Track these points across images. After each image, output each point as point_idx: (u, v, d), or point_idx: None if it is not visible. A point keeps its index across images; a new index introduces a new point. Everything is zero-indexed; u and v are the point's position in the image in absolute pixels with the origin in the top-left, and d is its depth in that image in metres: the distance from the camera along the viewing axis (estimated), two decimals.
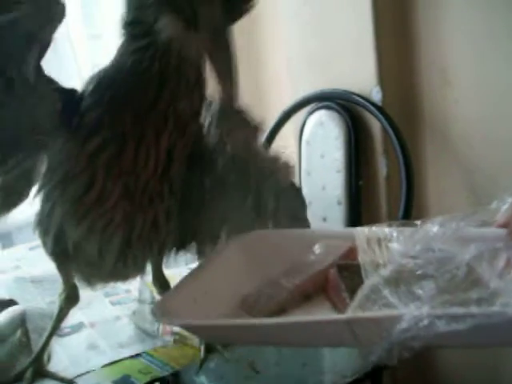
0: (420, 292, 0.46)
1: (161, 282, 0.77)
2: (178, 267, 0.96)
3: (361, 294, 0.47)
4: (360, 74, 1.23)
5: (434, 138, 1.21)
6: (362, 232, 0.58)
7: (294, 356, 0.75)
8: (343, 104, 1.27)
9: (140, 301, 0.87)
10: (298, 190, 0.78)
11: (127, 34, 0.59)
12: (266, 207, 0.73)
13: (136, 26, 0.58)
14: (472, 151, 1.14)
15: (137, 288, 0.91)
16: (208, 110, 0.67)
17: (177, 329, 0.79)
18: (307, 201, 1.30)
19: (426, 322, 0.41)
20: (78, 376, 0.70)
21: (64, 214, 0.63)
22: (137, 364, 0.71)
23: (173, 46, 0.57)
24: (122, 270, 0.68)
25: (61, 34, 1.44)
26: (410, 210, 1.13)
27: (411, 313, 0.42)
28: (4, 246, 1.32)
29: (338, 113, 1.27)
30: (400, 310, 0.44)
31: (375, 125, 1.23)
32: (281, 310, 0.56)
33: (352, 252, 0.58)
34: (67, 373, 0.71)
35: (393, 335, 0.41)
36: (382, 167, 1.25)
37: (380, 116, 1.17)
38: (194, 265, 1.07)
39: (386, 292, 0.47)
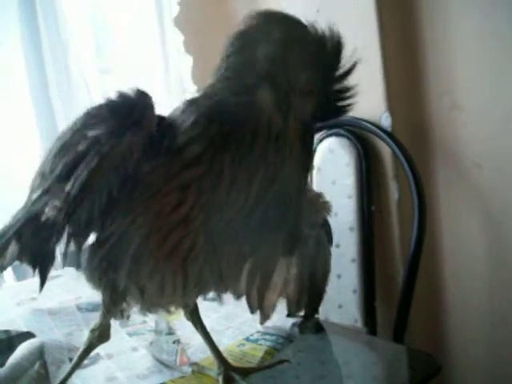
0: None
1: (191, 310, 0.77)
2: None
3: None
4: (369, 101, 1.24)
5: (444, 161, 1.22)
6: None
7: None
8: (353, 130, 1.28)
9: (157, 332, 0.87)
10: (329, 226, 0.80)
11: (226, 79, 0.61)
12: (297, 244, 0.73)
13: (237, 81, 0.61)
14: (483, 173, 1.14)
15: (152, 319, 0.91)
16: None
17: (194, 359, 0.79)
18: None
19: None
20: None
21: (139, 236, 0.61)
22: None
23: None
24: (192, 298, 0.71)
25: (74, 69, 1.47)
26: (423, 234, 1.13)
27: None
28: (18, 278, 1.33)
29: (347, 139, 1.28)
30: None
31: (385, 150, 1.24)
32: None
33: None
34: None
35: None
36: (393, 192, 1.25)
37: (390, 142, 1.18)
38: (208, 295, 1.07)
39: None
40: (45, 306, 0.97)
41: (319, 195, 0.78)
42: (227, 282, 0.69)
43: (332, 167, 1.30)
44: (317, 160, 1.32)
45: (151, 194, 0.60)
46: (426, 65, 1.21)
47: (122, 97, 0.60)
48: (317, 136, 1.32)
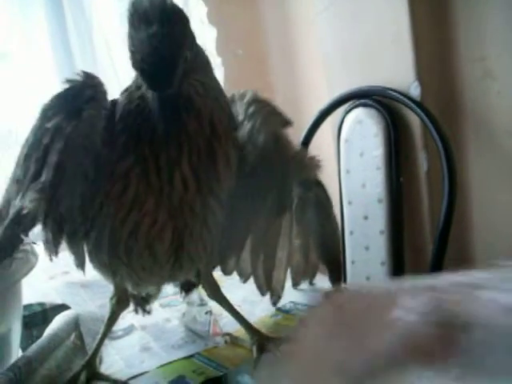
0: None
1: (210, 284, 0.77)
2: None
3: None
4: (397, 70, 1.22)
5: (475, 131, 1.19)
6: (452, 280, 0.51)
7: None
8: (381, 101, 1.26)
9: (188, 303, 0.88)
10: (323, 186, 0.76)
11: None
12: (289, 205, 0.72)
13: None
14: None
15: None
16: (241, 103, 0.68)
17: (227, 330, 0.80)
18: (347, 200, 1.31)
19: None
20: (133, 377, 0.71)
21: (110, 216, 0.64)
22: (190, 365, 0.72)
23: None
24: (176, 273, 0.69)
25: (98, 42, 1.47)
26: (453, 206, 1.12)
27: None
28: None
29: (376, 110, 1.26)
30: None
31: (414, 120, 1.21)
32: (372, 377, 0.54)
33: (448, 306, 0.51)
34: (122, 374, 0.72)
35: None
36: (422, 163, 1.23)
37: (419, 112, 1.15)
38: None
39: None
40: (78, 279, 0.99)
41: (304, 150, 0.75)
42: (211, 258, 0.71)
43: (360, 138, 1.28)
44: (344, 131, 1.31)
45: (105, 178, 0.62)
46: (457, 31, 1.18)
47: (70, 81, 0.62)
48: (344, 107, 1.31)
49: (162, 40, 0.54)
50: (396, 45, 1.21)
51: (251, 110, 0.67)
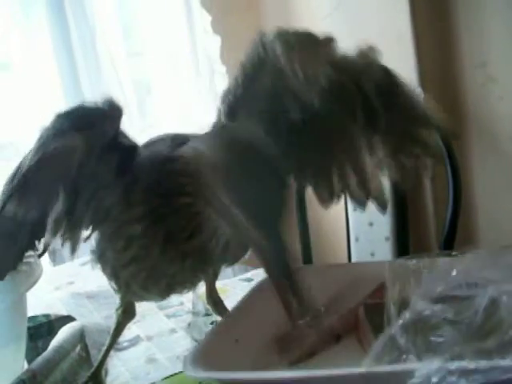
0: (437, 341, 0.45)
1: (214, 300, 0.77)
2: (228, 278, 0.97)
3: (378, 344, 0.47)
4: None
5: (478, 136, 1.19)
6: (392, 265, 0.56)
7: None
8: None
9: (194, 313, 0.88)
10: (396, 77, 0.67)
11: None
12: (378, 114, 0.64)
13: None
14: None
15: (190, 300, 0.92)
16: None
17: None
18: (352, 206, 1.30)
19: (436, 378, 0.40)
20: None
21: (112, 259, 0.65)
22: None
23: None
24: (176, 291, 0.70)
25: (102, 52, 1.47)
26: (457, 211, 1.11)
27: (423, 367, 0.41)
28: (55, 263, 1.35)
29: None
30: (413, 363, 0.44)
31: None
32: (310, 353, 0.57)
33: (382, 289, 0.56)
34: None
35: None
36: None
37: None
38: (242, 276, 1.07)
39: (402, 341, 0.46)
40: (83, 289, 0.99)
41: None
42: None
43: None
44: None
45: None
46: (459, 37, 1.18)
47: (82, 105, 0.61)
48: None
49: None
50: (398, 51, 1.21)
51: (292, 56, 0.62)
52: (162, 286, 0.66)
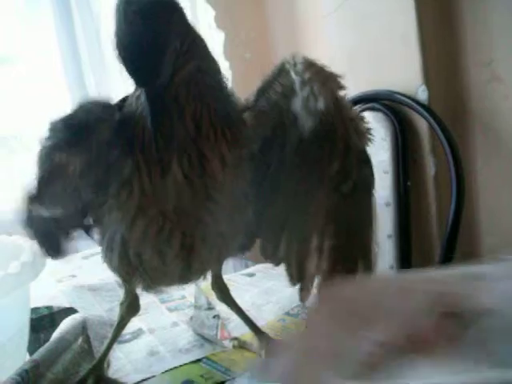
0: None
1: (220, 287, 0.77)
2: (227, 274, 0.97)
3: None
4: (404, 73, 1.22)
5: (483, 135, 1.19)
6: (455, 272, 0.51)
7: None
8: (388, 104, 1.26)
9: (196, 307, 0.88)
10: (369, 157, 0.69)
11: None
12: (351, 173, 0.66)
13: None
14: None
15: (191, 294, 0.92)
16: (294, 70, 0.65)
17: (234, 334, 0.80)
18: None
19: None
20: (141, 382, 0.71)
21: (119, 221, 0.64)
22: (198, 369, 0.72)
23: None
24: (186, 274, 0.68)
25: (106, 45, 1.47)
26: (460, 210, 1.11)
27: None
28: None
29: (383, 114, 1.26)
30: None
31: (422, 124, 1.21)
32: (372, 368, 0.54)
33: (450, 297, 0.51)
34: (130, 378, 0.72)
35: None
36: (430, 167, 1.23)
37: (427, 115, 1.15)
38: (244, 271, 1.08)
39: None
40: (85, 282, 0.99)
41: (361, 116, 0.69)
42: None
43: None
44: None
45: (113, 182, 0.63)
46: (464, 35, 1.17)
47: (76, 112, 0.61)
48: None
49: (143, 31, 0.54)
50: (403, 49, 1.21)
51: (307, 75, 0.64)
52: (176, 255, 0.64)
